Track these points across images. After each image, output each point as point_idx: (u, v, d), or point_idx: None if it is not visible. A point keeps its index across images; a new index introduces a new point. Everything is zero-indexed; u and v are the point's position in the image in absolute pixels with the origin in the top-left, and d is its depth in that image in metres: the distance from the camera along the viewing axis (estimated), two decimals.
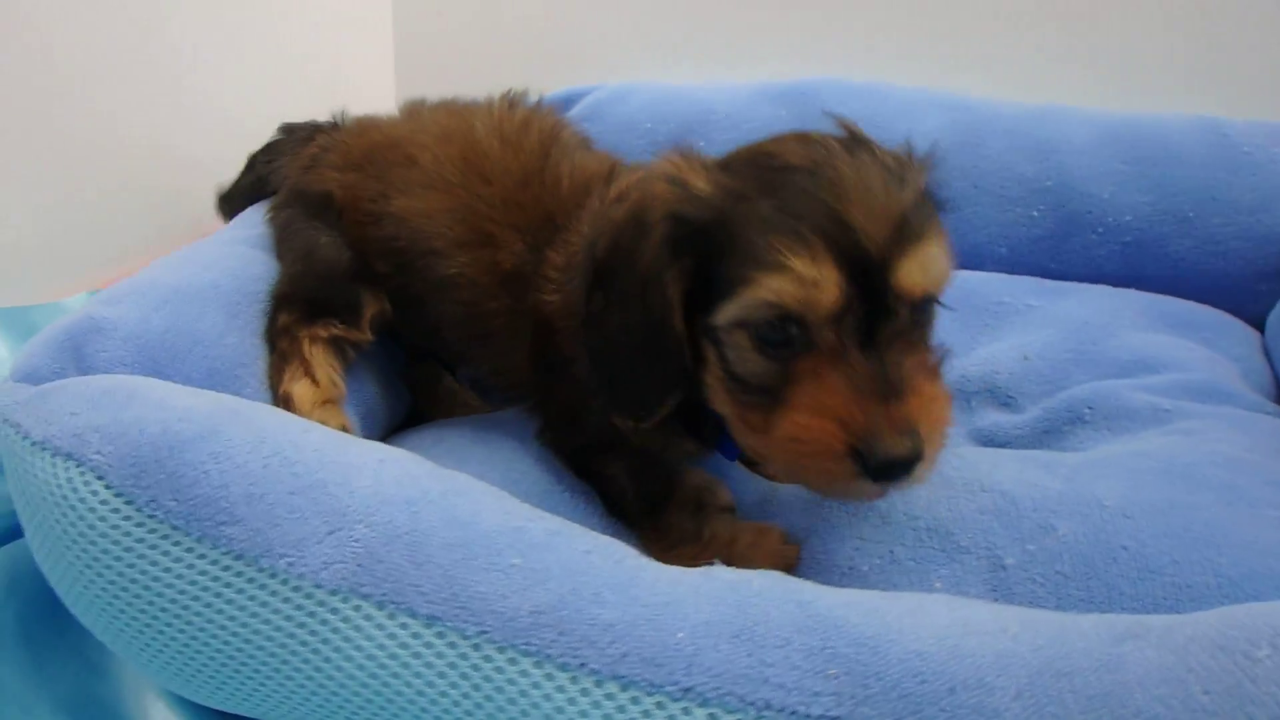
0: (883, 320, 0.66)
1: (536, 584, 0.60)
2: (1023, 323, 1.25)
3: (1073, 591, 0.73)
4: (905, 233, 0.66)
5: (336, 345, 1.01)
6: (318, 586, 0.61)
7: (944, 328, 1.26)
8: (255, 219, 1.15)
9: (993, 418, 1.13)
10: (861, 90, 1.49)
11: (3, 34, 1.15)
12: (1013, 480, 0.84)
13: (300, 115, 1.24)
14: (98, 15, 1.27)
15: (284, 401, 0.95)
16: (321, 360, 0.99)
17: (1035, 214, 1.35)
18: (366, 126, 1.11)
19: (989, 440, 1.11)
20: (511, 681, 0.57)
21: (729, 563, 0.78)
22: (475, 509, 0.65)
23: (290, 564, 0.61)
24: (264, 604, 0.61)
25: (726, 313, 0.68)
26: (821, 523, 0.86)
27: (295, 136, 1.21)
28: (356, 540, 0.62)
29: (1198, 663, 0.52)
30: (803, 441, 0.65)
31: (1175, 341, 1.18)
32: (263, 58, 1.60)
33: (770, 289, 0.65)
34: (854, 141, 0.72)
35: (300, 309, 0.99)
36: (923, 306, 0.70)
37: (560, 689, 0.56)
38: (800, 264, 0.64)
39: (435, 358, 1.19)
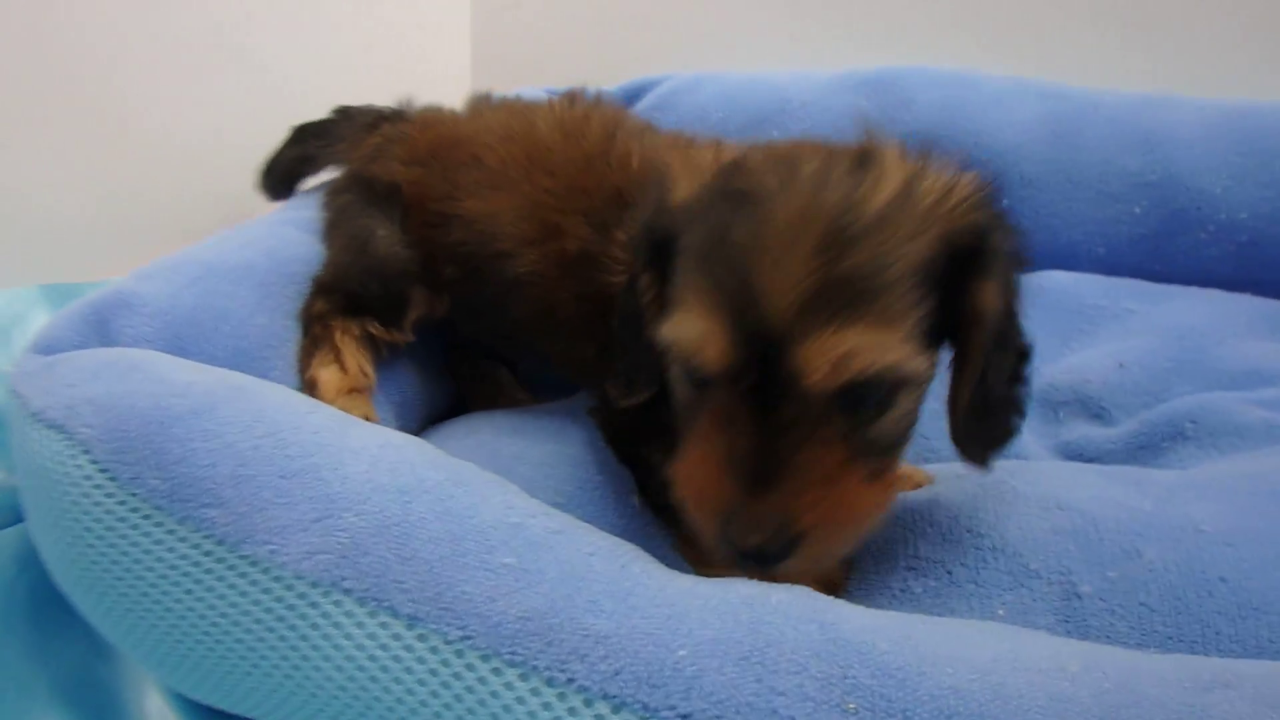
0: (786, 400, 0.58)
1: (528, 587, 0.54)
2: (1120, 328, 1.14)
3: (1159, 627, 0.63)
4: (817, 309, 0.56)
5: (370, 341, 0.98)
6: (299, 578, 0.56)
7: (1032, 331, 1.17)
8: (307, 202, 1.12)
9: (1082, 430, 1.03)
10: (948, 79, 1.39)
11: (69, 21, 1.16)
12: (1094, 498, 0.75)
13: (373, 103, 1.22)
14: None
15: (310, 386, 0.92)
16: (352, 350, 0.95)
17: (1137, 211, 1.23)
18: (431, 121, 1.07)
19: (1077, 455, 1.00)
20: (495, 694, 0.51)
21: (772, 580, 0.73)
22: (473, 501, 0.60)
23: (272, 552, 0.57)
24: (244, 593, 0.57)
25: (659, 334, 0.64)
26: (875, 540, 0.78)
27: (354, 122, 1.18)
28: (343, 530, 0.57)
29: None
30: (684, 493, 0.62)
31: None
32: (334, 44, 1.59)
33: (671, 329, 0.62)
34: (852, 165, 0.62)
35: (340, 301, 0.96)
36: (856, 393, 0.59)
37: (546, 705, 0.50)
38: (694, 315, 0.60)
39: (494, 355, 1.15)
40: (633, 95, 1.57)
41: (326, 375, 0.92)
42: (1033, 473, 0.81)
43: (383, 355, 0.99)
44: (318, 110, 1.23)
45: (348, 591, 0.55)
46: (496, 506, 0.60)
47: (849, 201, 0.59)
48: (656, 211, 0.68)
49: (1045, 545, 0.71)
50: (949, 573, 0.72)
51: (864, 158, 0.64)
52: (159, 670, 0.62)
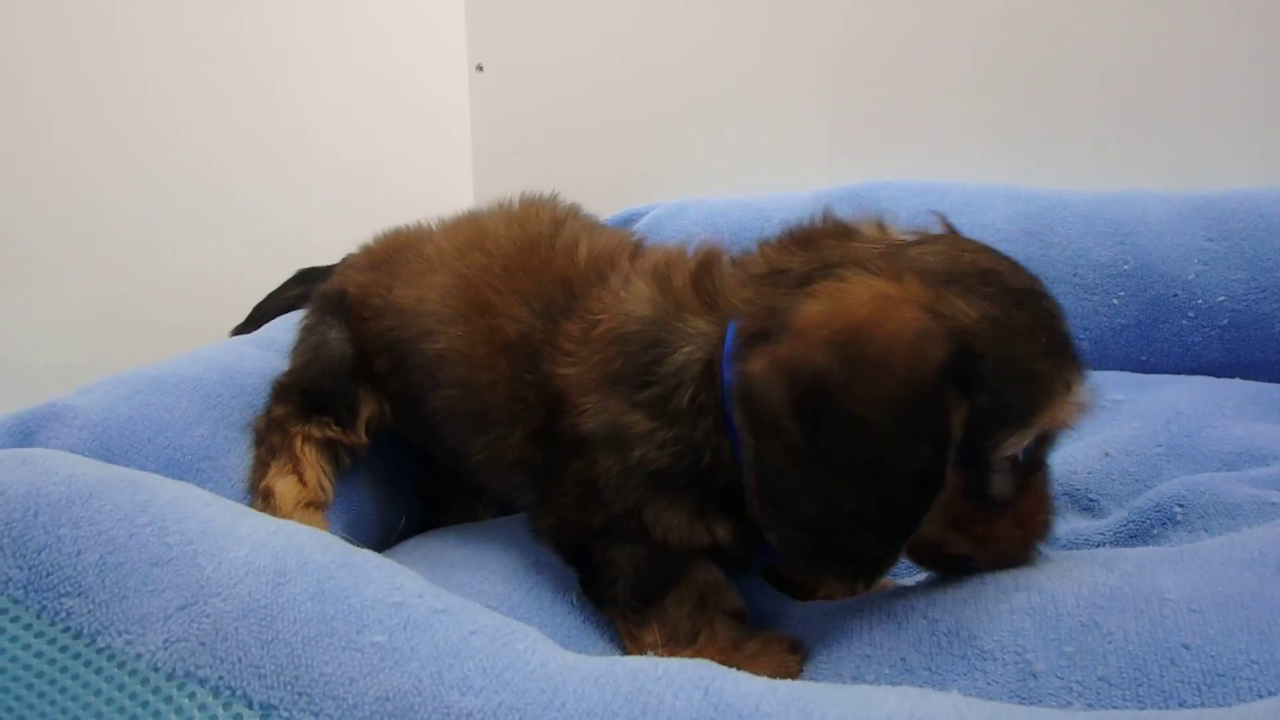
0: None
1: (395, 665, 0.49)
2: (1107, 418, 1.09)
3: (1119, 702, 0.57)
4: None
5: (330, 449, 0.96)
6: (154, 670, 0.52)
7: None
8: (281, 324, 1.14)
9: (1071, 524, 0.96)
10: (921, 189, 1.40)
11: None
12: (1058, 578, 0.69)
13: None
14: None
15: (264, 497, 0.89)
16: (313, 460, 0.93)
17: (1116, 301, 1.20)
18: (394, 232, 1.07)
19: (1068, 550, 0.94)
20: None
21: None
22: (355, 582, 0.56)
23: (129, 642, 0.53)
24: (98, 692, 0.52)
25: (1014, 442, 0.64)
26: (832, 630, 0.72)
27: None
28: (208, 615, 0.53)
29: None
30: (1025, 527, 0.69)
31: None
32: (336, 190, 1.64)
33: (1058, 417, 0.65)
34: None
35: (296, 402, 0.95)
36: None
37: None
38: (1079, 390, 0.65)
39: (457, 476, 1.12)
40: (623, 224, 1.59)
41: (284, 487, 0.89)
42: None
43: (344, 464, 0.97)
44: (317, 253, 1.26)
45: (202, 681, 0.51)
46: (381, 587, 0.56)
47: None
48: (963, 332, 0.61)
49: (1001, 625, 0.65)
50: (903, 659, 0.66)
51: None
52: None
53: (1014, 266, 0.68)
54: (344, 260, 1.08)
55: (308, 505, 0.90)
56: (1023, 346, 0.63)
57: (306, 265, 1.33)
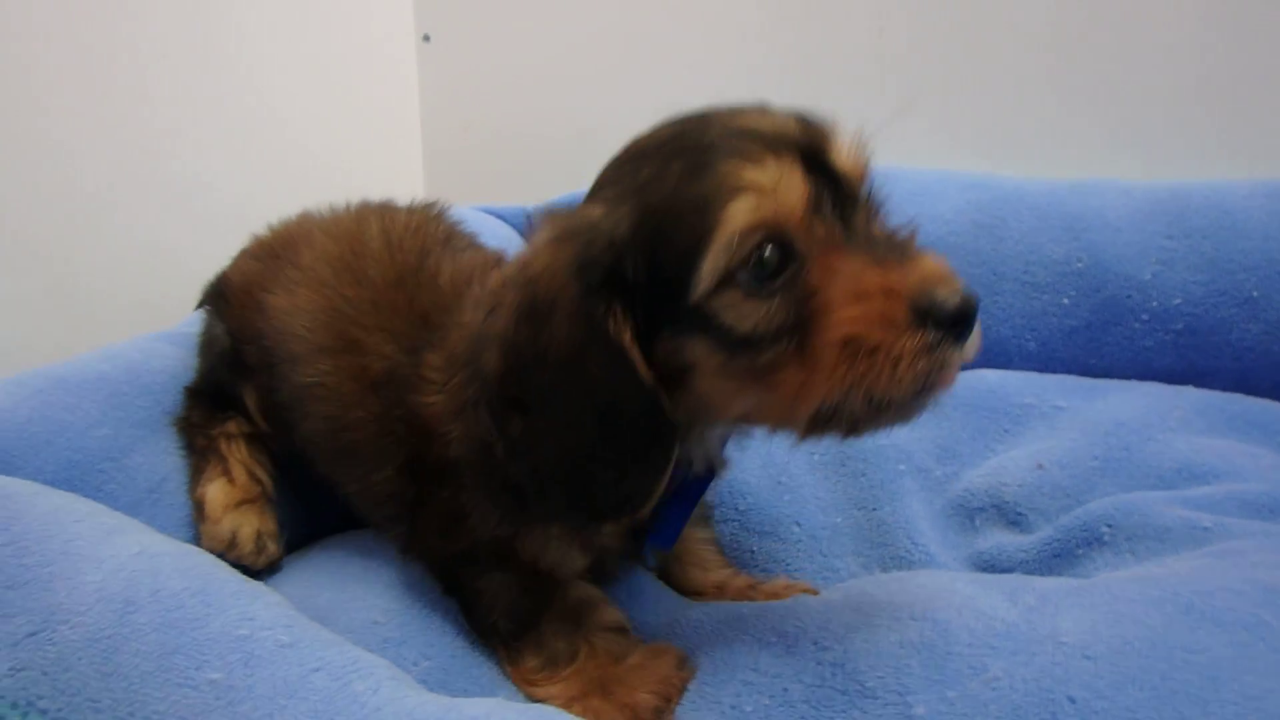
0: (850, 208, 0.60)
1: (228, 706, 0.48)
2: (1046, 427, 1.07)
3: None
4: (812, 124, 0.62)
5: (260, 441, 0.95)
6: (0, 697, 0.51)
7: (954, 434, 1.11)
8: (195, 318, 1.12)
9: (998, 538, 0.94)
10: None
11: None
12: (957, 608, 0.67)
13: None
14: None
15: (197, 507, 0.88)
16: (242, 455, 0.92)
17: (1066, 301, 1.17)
18: (286, 222, 1.04)
19: (990, 567, 0.92)
20: None
21: (606, 686, 0.69)
22: (205, 612, 0.54)
23: None
24: None
25: (706, 274, 0.58)
26: (720, 647, 0.71)
27: None
28: (54, 644, 0.52)
29: None
30: (858, 337, 0.56)
31: (1235, 446, 0.98)
32: (285, 165, 1.60)
33: (742, 212, 0.57)
34: None
35: (205, 403, 0.94)
36: (870, 194, 0.63)
37: None
38: (757, 173, 0.57)
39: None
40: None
41: (213, 491, 0.89)
42: (899, 582, 0.74)
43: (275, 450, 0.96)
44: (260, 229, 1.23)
45: (43, 712, 0.50)
46: (230, 617, 0.55)
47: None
48: (587, 243, 0.61)
49: (887, 660, 0.64)
50: (785, 690, 0.65)
51: None
52: None
53: (671, 122, 0.66)
54: (242, 250, 1.06)
55: (239, 504, 0.89)
56: (657, 196, 0.60)
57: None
